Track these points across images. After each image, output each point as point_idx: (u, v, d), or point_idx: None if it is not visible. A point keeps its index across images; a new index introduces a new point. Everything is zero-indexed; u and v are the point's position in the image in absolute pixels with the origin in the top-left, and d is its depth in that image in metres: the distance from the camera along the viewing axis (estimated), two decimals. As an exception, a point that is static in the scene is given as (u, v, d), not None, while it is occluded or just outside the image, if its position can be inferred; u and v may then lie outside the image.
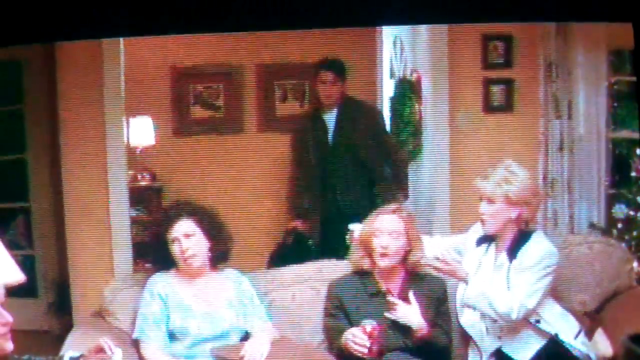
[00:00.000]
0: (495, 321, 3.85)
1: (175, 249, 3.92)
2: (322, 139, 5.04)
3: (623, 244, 4.69)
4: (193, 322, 3.91)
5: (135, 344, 3.90)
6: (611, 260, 4.24)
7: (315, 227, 4.97)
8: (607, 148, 5.02)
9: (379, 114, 5.27)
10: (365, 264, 3.98)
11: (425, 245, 4.04)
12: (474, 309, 3.89)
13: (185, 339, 3.90)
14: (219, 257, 4.02)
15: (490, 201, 3.84)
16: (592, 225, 4.99)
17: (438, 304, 3.96)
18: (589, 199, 5.00)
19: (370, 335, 3.78)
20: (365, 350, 3.77)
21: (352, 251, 4.09)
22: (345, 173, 5.00)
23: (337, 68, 5.04)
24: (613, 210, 5.02)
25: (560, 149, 4.91)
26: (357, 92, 5.05)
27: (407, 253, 3.94)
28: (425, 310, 3.89)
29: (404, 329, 3.85)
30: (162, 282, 3.93)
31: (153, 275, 3.97)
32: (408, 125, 5.17)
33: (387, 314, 3.84)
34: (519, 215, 3.81)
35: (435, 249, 4.11)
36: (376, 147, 5.02)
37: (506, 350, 3.84)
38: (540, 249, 3.85)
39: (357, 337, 3.77)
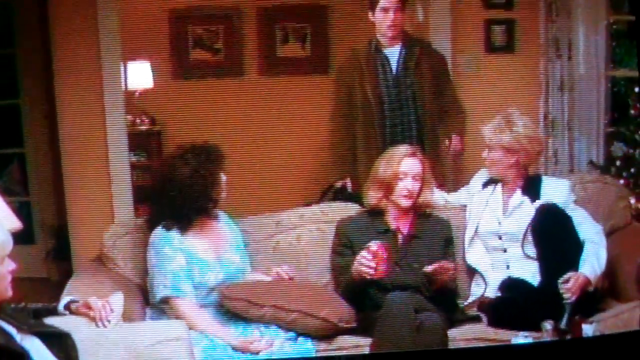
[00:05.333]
0: (505, 251, 3.66)
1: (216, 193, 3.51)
2: (385, 75, 4.26)
3: (620, 181, 4.43)
4: (210, 274, 3.46)
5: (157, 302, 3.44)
6: (605, 199, 3.92)
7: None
8: (606, 87, 4.70)
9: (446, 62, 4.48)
10: (383, 203, 3.67)
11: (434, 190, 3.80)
12: (486, 246, 3.70)
13: (202, 290, 3.45)
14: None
15: (489, 148, 3.70)
16: (591, 163, 4.67)
17: (445, 244, 3.69)
18: (588, 138, 4.69)
19: (374, 255, 3.44)
20: (372, 271, 3.45)
21: (369, 190, 3.72)
22: (402, 112, 4.26)
23: None
24: (612, 148, 4.73)
25: (561, 88, 4.60)
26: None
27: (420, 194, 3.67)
28: (434, 250, 3.62)
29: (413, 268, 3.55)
30: (177, 236, 3.46)
31: (162, 231, 3.47)
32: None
33: None
34: (517, 161, 3.66)
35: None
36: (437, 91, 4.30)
37: (516, 275, 3.62)
38: (561, 183, 3.75)
39: (363, 258, 3.46)
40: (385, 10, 4.15)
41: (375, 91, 4.20)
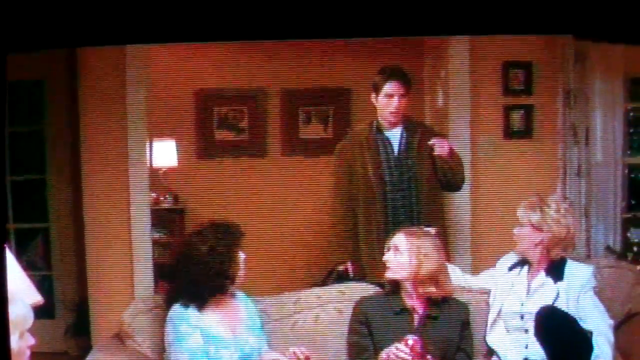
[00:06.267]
0: (526, 331, 3.64)
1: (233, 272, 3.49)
2: (387, 155, 4.26)
3: (637, 267, 4.29)
4: (225, 351, 3.43)
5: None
6: (622, 283, 3.90)
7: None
8: (623, 173, 4.75)
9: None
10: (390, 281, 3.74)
11: (450, 272, 3.78)
12: (507, 327, 3.70)
13: None
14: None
15: (520, 225, 3.77)
16: (608, 249, 4.67)
17: (462, 328, 3.65)
18: (605, 223, 4.71)
19: (412, 349, 3.45)
20: None
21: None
22: (404, 193, 4.24)
23: (406, 78, 4.24)
24: (629, 234, 4.76)
25: (578, 173, 4.64)
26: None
27: (416, 271, 3.62)
28: (450, 331, 3.61)
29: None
30: (194, 314, 3.43)
31: (179, 308, 3.45)
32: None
33: None
34: (542, 242, 3.70)
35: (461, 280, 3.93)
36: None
37: (533, 357, 3.60)
38: (585, 268, 3.77)
39: (400, 351, 3.45)
40: (389, 96, 4.15)
41: (376, 172, 4.19)
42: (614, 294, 3.81)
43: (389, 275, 3.70)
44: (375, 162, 4.19)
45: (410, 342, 3.46)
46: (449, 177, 4.19)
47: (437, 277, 3.66)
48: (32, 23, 3.01)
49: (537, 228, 3.71)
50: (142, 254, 4.30)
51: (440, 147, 4.12)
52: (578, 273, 3.70)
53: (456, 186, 4.30)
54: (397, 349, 3.47)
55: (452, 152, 4.16)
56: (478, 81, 4.60)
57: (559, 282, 3.68)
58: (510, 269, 3.83)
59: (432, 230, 3.84)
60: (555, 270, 3.72)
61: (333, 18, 3.21)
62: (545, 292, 3.68)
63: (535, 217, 3.72)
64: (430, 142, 4.13)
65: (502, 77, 4.66)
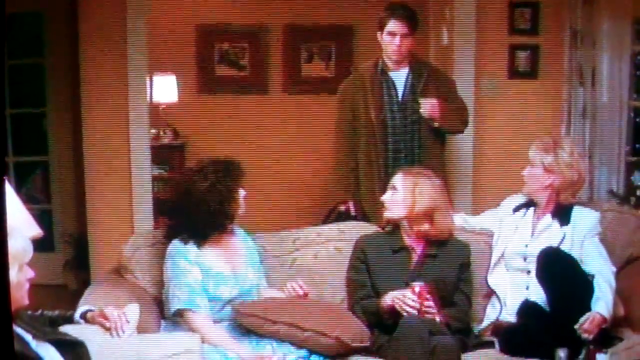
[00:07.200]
0: (528, 272, 3.65)
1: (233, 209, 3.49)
2: (390, 99, 4.18)
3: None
4: (225, 288, 3.45)
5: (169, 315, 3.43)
6: (624, 228, 3.87)
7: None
8: (628, 116, 4.68)
9: (454, 84, 4.34)
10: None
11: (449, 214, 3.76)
12: (509, 268, 3.71)
13: (216, 304, 3.43)
14: None
15: (531, 165, 3.73)
16: (611, 192, 4.64)
17: (461, 270, 3.64)
18: (609, 167, 4.66)
19: (419, 296, 3.45)
20: (416, 312, 3.44)
21: None
22: (405, 137, 4.19)
23: (412, 17, 4.11)
24: (632, 178, 4.72)
25: (583, 116, 4.59)
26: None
27: (410, 208, 3.63)
28: (448, 271, 3.61)
29: None
30: (193, 250, 3.45)
31: (179, 244, 3.46)
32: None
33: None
34: (552, 185, 3.67)
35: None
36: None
37: (534, 297, 3.60)
38: (592, 214, 3.74)
39: (408, 298, 3.45)
40: (392, 34, 4.03)
41: (378, 115, 4.12)
42: (615, 238, 3.79)
43: (387, 214, 3.71)
44: (377, 105, 4.11)
45: (417, 289, 3.45)
46: (446, 129, 4.15)
47: (432, 215, 3.65)
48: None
49: (549, 170, 3.69)
50: (141, 190, 4.31)
51: (427, 108, 4.03)
52: (584, 218, 3.69)
53: (456, 133, 4.27)
54: (404, 295, 3.45)
55: (442, 110, 4.05)
56: (484, 20, 4.54)
57: (564, 226, 3.67)
58: (515, 210, 3.81)
59: None
60: (562, 214, 3.71)
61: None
62: (550, 234, 3.67)
63: (548, 159, 3.69)
64: (420, 102, 4.04)
65: (508, 16, 4.60)
